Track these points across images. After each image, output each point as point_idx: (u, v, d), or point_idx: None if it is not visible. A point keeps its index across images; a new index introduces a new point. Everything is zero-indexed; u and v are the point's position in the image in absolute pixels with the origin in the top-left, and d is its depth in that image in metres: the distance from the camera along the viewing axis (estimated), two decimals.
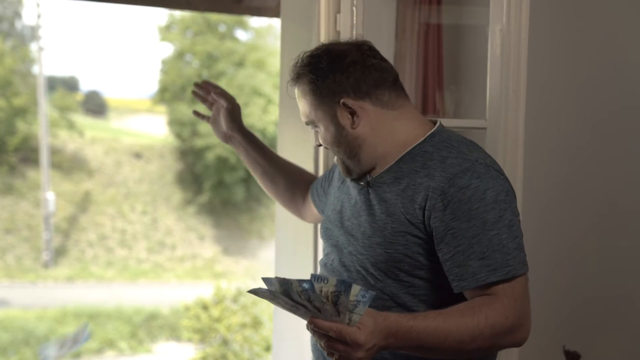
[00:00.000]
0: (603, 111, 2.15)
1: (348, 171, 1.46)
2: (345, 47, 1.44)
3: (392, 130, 1.41)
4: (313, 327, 1.16)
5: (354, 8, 2.10)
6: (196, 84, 1.84)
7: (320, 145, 1.49)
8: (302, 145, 2.27)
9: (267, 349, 8.60)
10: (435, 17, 2.28)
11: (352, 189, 1.48)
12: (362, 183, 1.44)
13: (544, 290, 2.12)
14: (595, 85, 2.14)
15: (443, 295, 1.34)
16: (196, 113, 1.91)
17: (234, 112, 1.78)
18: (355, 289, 1.10)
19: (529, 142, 1.90)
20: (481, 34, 1.94)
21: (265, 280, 1.15)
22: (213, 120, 1.83)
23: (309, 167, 2.24)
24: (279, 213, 2.42)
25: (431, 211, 1.30)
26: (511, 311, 1.26)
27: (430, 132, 1.41)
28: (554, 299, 2.15)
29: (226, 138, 1.82)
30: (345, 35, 2.12)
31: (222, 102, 1.78)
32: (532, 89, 1.90)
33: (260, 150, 1.84)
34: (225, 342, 8.96)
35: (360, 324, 1.15)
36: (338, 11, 2.12)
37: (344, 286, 1.10)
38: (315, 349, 1.49)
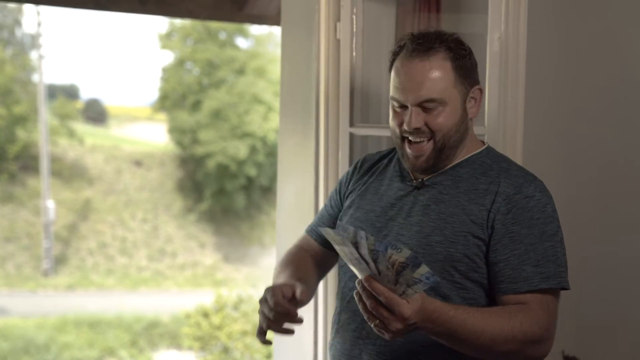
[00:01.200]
0: (603, 118, 2.15)
1: (435, 162, 1.40)
2: None
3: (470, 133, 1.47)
4: (367, 286, 1.16)
5: (354, 16, 2.11)
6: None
7: (417, 129, 1.37)
8: (302, 153, 2.27)
9: (268, 356, 8.58)
10: (434, 25, 2.29)
11: (390, 190, 1.48)
12: (414, 183, 1.45)
13: None
14: (594, 92, 2.15)
15: (489, 301, 1.38)
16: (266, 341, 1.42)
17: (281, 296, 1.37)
18: (424, 268, 1.13)
19: (528, 148, 1.91)
20: (480, 42, 1.95)
21: (342, 226, 1.19)
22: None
23: (309, 173, 2.24)
24: (280, 220, 2.42)
25: (496, 213, 1.35)
26: (544, 323, 1.32)
27: (487, 146, 1.48)
28: None
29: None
30: (345, 44, 2.13)
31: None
32: (531, 96, 1.91)
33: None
34: (226, 350, 8.94)
35: (411, 299, 1.17)
36: (338, 19, 2.13)
37: (414, 262, 1.13)
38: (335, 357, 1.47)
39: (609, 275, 2.12)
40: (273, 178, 13.02)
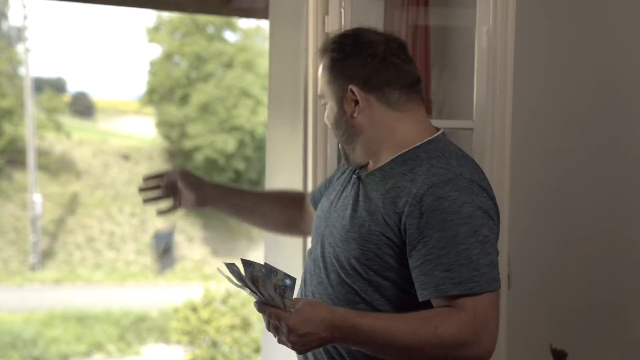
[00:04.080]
0: (590, 111, 2.17)
1: (345, 157, 1.50)
2: (375, 37, 1.44)
3: (392, 130, 1.42)
4: (257, 309, 1.27)
5: (342, 10, 2.10)
6: (143, 189, 1.79)
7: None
8: (291, 147, 2.27)
9: (257, 350, 8.59)
10: (422, 19, 2.29)
11: (349, 182, 1.50)
12: (357, 176, 1.46)
13: (532, 290, 2.13)
14: (582, 85, 2.16)
15: (411, 299, 1.33)
16: (161, 212, 1.83)
17: (188, 176, 1.76)
18: (280, 273, 1.19)
19: (516, 142, 1.92)
20: (468, 36, 1.95)
21: (227, 264, 1.25)
22: (180, 201, 1.79)
23: (297, 168, 2.24)
24: None
25: (408, 217, 1.31)
26: (467, 326, 1.24)
27: (427, 139, 1.40)
28: (541, 298, 2.16)
29: (200, 202, 1.77)
30: None
31: (172, 177, 1.76)
32: (519, 90, 1.92)
33: (236, 193, 1.82)
34: (214, 344, 8.94)
35: (297, 310, 1.23)
36: (326, 13, 2.12)
37: (269, 270, 1.19)
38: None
39: (596, 269, 2.14)
40: (261, 172, 13.00)
